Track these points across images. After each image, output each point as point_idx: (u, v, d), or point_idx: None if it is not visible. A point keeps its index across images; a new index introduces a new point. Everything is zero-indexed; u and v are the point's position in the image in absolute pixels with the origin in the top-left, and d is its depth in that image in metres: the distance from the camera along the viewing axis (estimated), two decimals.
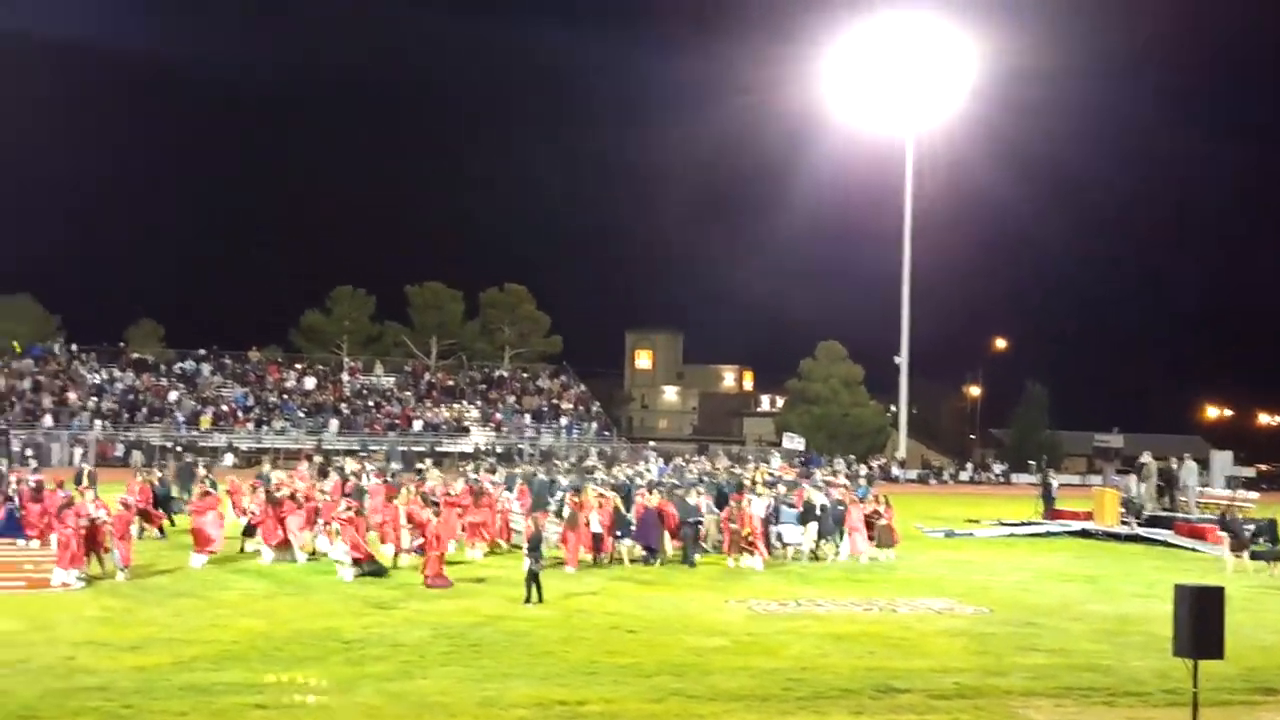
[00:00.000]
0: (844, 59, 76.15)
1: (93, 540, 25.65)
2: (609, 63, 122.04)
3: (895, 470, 77.45)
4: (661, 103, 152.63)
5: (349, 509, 27.54)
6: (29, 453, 60.62)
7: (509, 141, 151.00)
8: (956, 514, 46.66)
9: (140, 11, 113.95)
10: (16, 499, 29.35)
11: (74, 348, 75.06)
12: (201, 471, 35.78)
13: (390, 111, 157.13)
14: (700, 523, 30.83)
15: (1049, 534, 41.22)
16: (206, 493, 29.49)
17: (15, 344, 73.50)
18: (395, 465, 49.88)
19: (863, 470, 58.22)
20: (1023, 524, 42.84)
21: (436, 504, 28.70)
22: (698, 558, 29.97)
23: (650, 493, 31.42)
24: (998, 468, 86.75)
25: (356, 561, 26.51)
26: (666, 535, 30.31)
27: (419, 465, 43.29)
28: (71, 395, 68.27)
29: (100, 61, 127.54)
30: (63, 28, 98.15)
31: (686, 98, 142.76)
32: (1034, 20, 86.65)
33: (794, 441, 72.84)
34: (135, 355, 76.17)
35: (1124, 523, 40.15)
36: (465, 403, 76.72)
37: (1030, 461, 78.41)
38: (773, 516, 31.10)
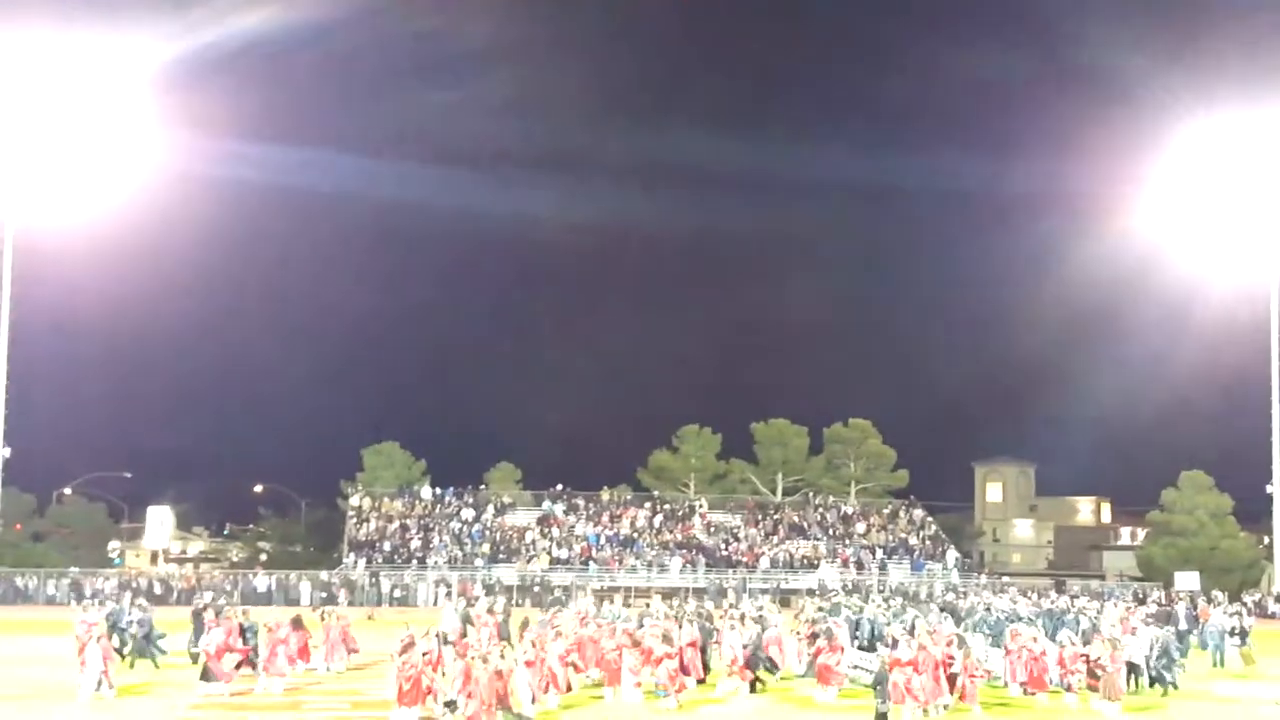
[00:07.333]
0: (1192, 170, 65.57)
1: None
2: (928, 185, 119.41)
3: (1272, 606, 72.13)
4: (995, 222, 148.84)
5: None
6: (397, 593, 63.95)
7: (850, 276, 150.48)
8: None
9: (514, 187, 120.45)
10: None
11: (436, 491, 78.91)
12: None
13: (737, 256, 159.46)
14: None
15: None
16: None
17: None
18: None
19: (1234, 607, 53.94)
20: None
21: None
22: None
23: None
24: None
25: None
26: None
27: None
28: (435, 538, 71.57)
29: (469, 235, 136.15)
30: (449, 200, 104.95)
31: (1019, 215, 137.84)
32: None
33: (1188, 580, 69.14)
34: (495, 497, 79.34)
35: None
36: (812, 540, 76.26)
37: None
38: None
